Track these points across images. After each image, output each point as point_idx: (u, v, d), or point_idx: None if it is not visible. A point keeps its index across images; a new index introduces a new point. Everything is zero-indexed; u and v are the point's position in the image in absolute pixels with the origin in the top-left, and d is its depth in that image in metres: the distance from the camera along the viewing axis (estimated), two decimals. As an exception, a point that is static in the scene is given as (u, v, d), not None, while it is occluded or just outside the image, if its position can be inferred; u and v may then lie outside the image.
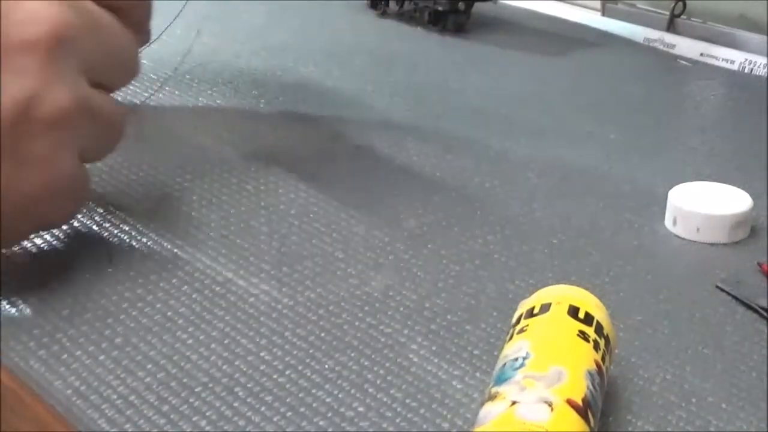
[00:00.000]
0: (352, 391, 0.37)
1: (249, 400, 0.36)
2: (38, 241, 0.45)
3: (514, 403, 0.31)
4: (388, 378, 0.38)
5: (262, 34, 0.77)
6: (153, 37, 0.48)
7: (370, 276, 0.44)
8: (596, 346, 0.34)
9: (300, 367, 0.38)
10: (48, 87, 0.38)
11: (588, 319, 0.35)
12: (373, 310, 0.42)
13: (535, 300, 0.36)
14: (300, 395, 0.37)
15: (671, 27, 0.81)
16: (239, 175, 0.53)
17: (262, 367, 0.38)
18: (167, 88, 0.63)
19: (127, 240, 0.46)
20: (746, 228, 0.49)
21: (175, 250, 0.45)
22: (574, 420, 0.31)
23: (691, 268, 0.46)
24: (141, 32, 0.46)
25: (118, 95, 0.48)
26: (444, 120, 0.63)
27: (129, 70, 0.45)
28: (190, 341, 0.39)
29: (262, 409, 0.36)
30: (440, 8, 0.80)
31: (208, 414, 0.35)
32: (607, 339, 0.35)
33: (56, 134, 0.39)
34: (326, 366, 0.38)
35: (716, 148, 0.60)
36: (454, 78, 0.71)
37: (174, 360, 0.38)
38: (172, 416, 0.35)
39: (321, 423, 0.35)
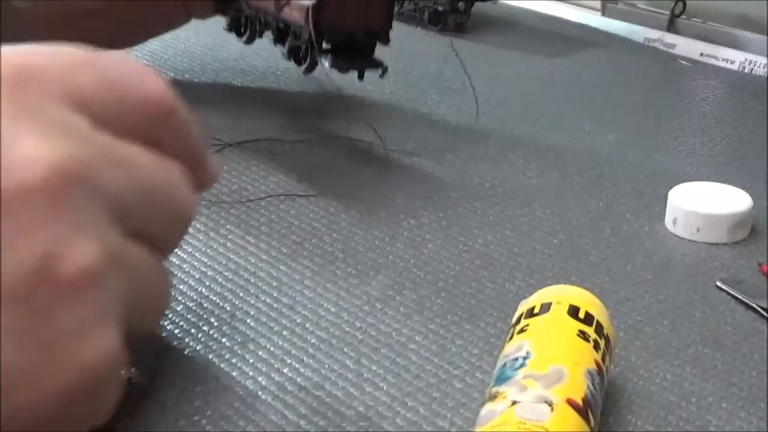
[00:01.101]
0: (352, 391, 0.37)
1: (249, 399, 0.36)
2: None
3: (514, 402, 0.31)
4: (388, 378, 0.38)
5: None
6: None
7: (370, 276, 0.45)
8: (596, 346, 0.34)
9: (300, 367, 0.38)
10: (64, 241, 0.29)
11: (588, 319, 0.35)
12: (373, 310, 0.42)
13: (535, 300, 0.36)
14: (300, 395, 0.36)
15: (671, 27, 0.81)
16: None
17: (261, 367, 0.38)
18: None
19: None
20: (746, 228, 0.49)
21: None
22: (574, 420, 0.31)
23: (691, 268, 0.46)
24: (197, 168, 0.36)
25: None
26: (443, 120, 0.63)
27: (178, 211, 0.35)
28: (188, 340, 0.39)
29: (262, 408, 0.36)
30: (440, 8, 0.80)
31: (208, 414, 0.35)
32: (607, 339, 0.35)
33: (85, 299, 0.30)
34: (326, 366, 0.38)
35: (716, 148, 0.60)
36: (453, 78, 0.71)
37: (174, 360, 0.38)
38: (172, 416, 0.35)
39: (321, 423, 0.35)
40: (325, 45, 0.53)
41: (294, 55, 0.56)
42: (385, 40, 0.55)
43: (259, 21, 0.59)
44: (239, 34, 0.61)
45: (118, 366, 0.31)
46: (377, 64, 0.55)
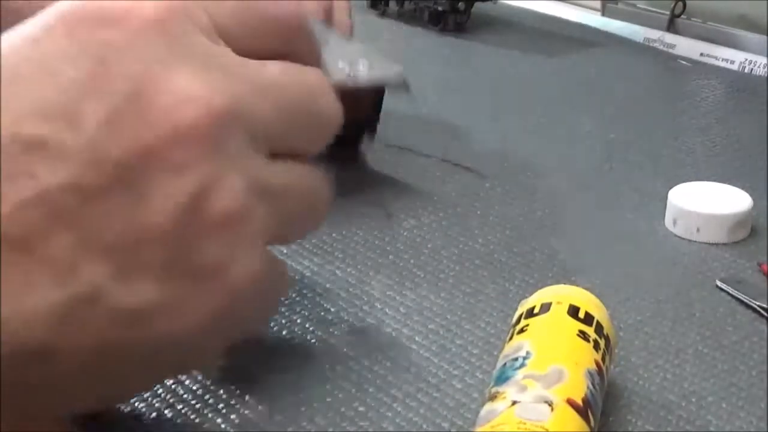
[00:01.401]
0: (352, 391, 0.37)
1: (249, 400, 0.36)
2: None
3: (514, 402, 0.31)
4: (388, 378, 0.38)
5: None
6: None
7: (370, 276, 0.45)
8: (596, 346, 0.34)
9: (300, 367, 0.38)
10: (214, 179, 0.30)
11: (588, 319, 0.35)
12: (374, 309, 0.42)
13: (536, 300, 0.36)
14: (300, 395, 0.37)
15: (671, 27, 0.81)
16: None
17: (261, 367, 0.38)
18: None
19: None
20: (746, 228, 0.49)
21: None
22: (574, 419, 0.31)
23: (691, 268, 0.46)
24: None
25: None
26: (443, 120, 0.63)
27: (322, 120, 0.36)
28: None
29: (262, 408, 0.36)
30: (440, 8, 0.80)
31: (208, 414, 0.35)
32: (607, 339, 0.35)
33: (232, 233, 0.31)
34: (326, 366, 0.38)
35: (716, 148, 0.60)
36: (454, 78, 0.71)
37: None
38: (172, 416, 0.35)
39: (321, 423, 0.35)
40: None
41: None
42: (372, 132, 0.52)
43: None
44: None
45: (272, 277, 0.33)
46: (360, 157, 0.53)
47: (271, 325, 0.41)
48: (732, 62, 0.75)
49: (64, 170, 0.29)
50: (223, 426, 0.35)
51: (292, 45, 0.35)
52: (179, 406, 0.36)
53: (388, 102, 0.52)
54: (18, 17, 0.44)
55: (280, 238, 0.35)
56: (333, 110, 0.36)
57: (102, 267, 0.29)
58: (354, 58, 0.46)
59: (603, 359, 0.34)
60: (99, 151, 0.29)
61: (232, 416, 0.35)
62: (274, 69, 0.34)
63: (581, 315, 0.35)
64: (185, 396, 0.36)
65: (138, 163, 0.29)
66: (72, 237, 0.29)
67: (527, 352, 0.33)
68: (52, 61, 0.30)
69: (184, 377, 0.37)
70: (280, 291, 0.36)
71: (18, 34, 0.31)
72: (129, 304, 0.30)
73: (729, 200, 0.49)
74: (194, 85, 0.30)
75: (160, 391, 0.36)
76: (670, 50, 0.79)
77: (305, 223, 0.37)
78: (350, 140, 0.51)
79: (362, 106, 0.50)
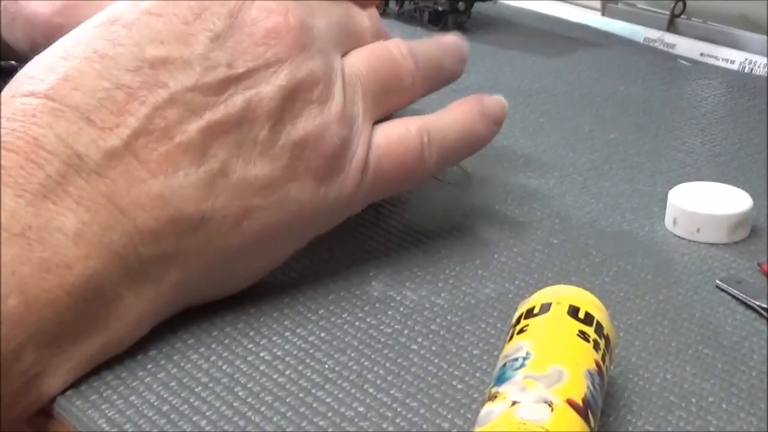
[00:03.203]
0: (352, 391, 0.37)
1: (249, 400, 0.36)
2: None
3: (514, 403, 0.31)
4: (388, 378, 0.38)
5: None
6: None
7: (370, 276, 0.45)
8: (596, 346, 0.34)
9: (300, 367, 0.38)
10: (300, 67, 0.40)
11: (588, 319, 0.35)
12: (373, 310, 0.42)
13: (535, 300, 0.36)
14: (300, 395, 0.37)
15: (671, 27, 0.81)
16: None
17: (262, 367, 0.38)
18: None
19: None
20: (746, 228, 0.49)
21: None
22: (574, 420, 0.31)
23: (691, 268, 0.46)
24: None
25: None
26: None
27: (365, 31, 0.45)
28: (190, 341, 0.39)
29: (262, 409, 0.36)
30: (440, 8, 0.80)
31: (208, 414, 0.35)
32: (607, 339, 0.35)
33: (318, 109, 0.40)
34: (326, 366, 0.38)
35: (716, 148, 0.60)
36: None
37: (174, 360, 0.38)
38: (172, 416, 0.35)
39: (321, 423, 0.35)
40: None
41: None
42: None
43: None
44: None
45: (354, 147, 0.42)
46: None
47: (272, 325, 0.41)
48: (732, 62, 0.75)
49: (187, 77, 0.38)
50: (223, 427, 0.35)
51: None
52: (182, 407, 0.36)
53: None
54: (11, 19, 0.46)
55: (379, 113, 0.44)
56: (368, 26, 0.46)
57: (225, 147, 0.38)
58: None
59: (603, 359, 0.34)
60: (211, 59, 0.38)
61: (234, 418, 0.35)
62: None
63: (581, 315, 0.35)
64: (187, 397, 0.36)
65: (241, 61, 0.39)
66: (200, 125, 0.38)
67: (527, 353, 0.33)
68: (154, 8, 0.39)
69: (183, 378, 0.37)
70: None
71: (115, 4, 0.40)
72: (251, 176, 0.39)
73: (729, 200, 0.49)
74: (273, 3, 0.40)
75: (164, 393, 0.36)
76: (670, 50, 0.79)
77: (394, 90, 0.45)
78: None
79: None
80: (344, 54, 0.43)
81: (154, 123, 0.37)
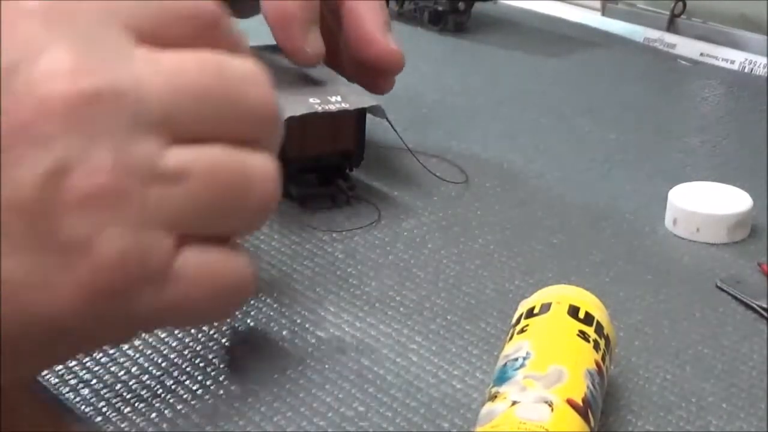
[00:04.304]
0: (352, 391, 0.37)
1: (249, 400, 0.36)
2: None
3: (514, 402, 0.31)
4: (388, 378, 0.38)
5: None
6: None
7: (370, 276, 0.45)
8: (596, 346, 0.34)
9: (300, 367, 0.38)
10: (78, 155, 0.30)
11: (588, 319, 0.35)
12: (373, 310, 0.42)
13: (536, 300, 0.36)
14: (300, 395, 0.37)
15: (671, 27, 0.81)
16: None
17: (262, 367, 0.38)
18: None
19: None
20: (746, 228, 0.49)
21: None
22: (574, 420, 0.31)
23: (691, 268, 0.46)
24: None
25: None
26: (444, 120, 0.63)
27: (248, 106, 0.34)
28: (190, 341, 0.39)
29: (262, 409, 0.36)
30: (440, 8, 0.80)
31: (208, 414, 0.35)
32: (607, 339, 0.35)
33: (98, 210, 0.30)
34: (326, 366, 0.38)
35: (716, 148, 0.60)
36: (454, 78, 0.71)
37: (174, 360, 0.38)
38: (171, 416, 0.35)
39: (321, 423, 0.35)
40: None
41: None
42: (357, 162, 0.51)
43: None
44: None
45: (148, 268, 0.31)
46: (348, 188, 0.51)
47: (271, 325, 0.41)
48: (732, 62, 0.75)
49: None
50: (223, 426, 0.35)
51: (212, 42, 0.33)
52: (179, 406, 0.36)
53: (388, 105, 0.52)
54: None
55: (202, 227, 0.32)
56: (263, 97, 0.34)
57: None
58: (329, 94, 0.48)
59: (603, 359, 0.34)
60: None
61: (235, 418, 0.35)
62: (185, 56, 0.32)
63: (581, 315, 0.35)
64: (184, 395, 0.36)
65: (4, 133, 0.29)
66: None
67: (527, 353, 0.33)
68: None
69: (183, 378, 0.37)
70: (234, 288, 0.33)
71: None
72: None
73: (729, 200, 0.49)
74: (66, 61, 0.30)
75: (159, 390, 0.36)
76: (670, 50, 0.79)
77: (233, 216, 0.33)
78: (335, 171, 0.51)
79: (342, 137, 0.50)
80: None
81: None
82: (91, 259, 0.30)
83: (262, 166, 0.34)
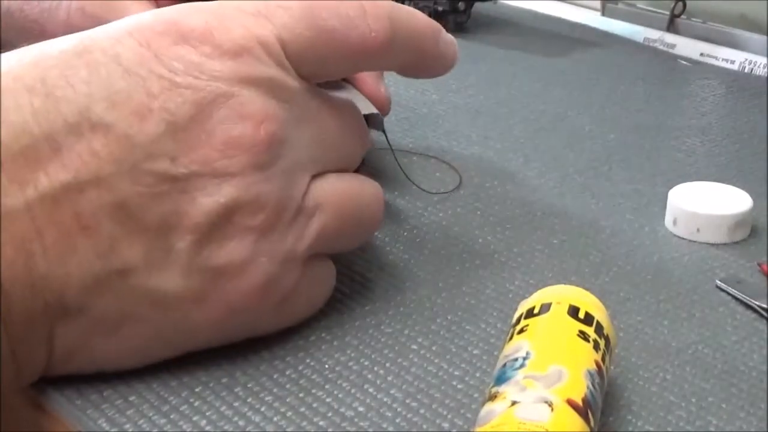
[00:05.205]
0: (352, 391, 0.37)
1: (249, 400, 0.36)
2: None
3: (514, 403, 0.31)
4: (388, 378, 0.38)
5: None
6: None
7: (371, 276, 0.44)
8: (596, 346, 0.34)
9: (300, 367, 0.38)
10: (251, 193, 0.34)
11: (588, 319, 0.35)
12: (373, 309, 0.42)
13: (535, 300, 0.36)
14: (300, 395, 0.37)
15: (671, 27, 0.81)
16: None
17: (262, 367, 0.38)
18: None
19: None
20: (746, 228, 0.49)
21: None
22: (574, 420, 0.31)
23: (691, 268, 0.46)
24: (427, 57, 0.41)
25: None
26: (443, 120, 0.63)
27: (352, 149, 0.40)
28: (190, 341, 0.39)
29: (262, 409, 0.36)
30: (440, 8, 0.80)
31: (208, 414, 0.35)
32: (607, 339, 0.35)
33: (254, 242, 0.35)
34: (326, 366, 0.38)
35: (716, 148, 0.60)
36: (453, 77, 0.71)
37: (174, 359, 0.38)
38: (172, 416, 0.35)
39: (321, 423, 0.35)
40: None
41: None
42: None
43: None
44: None
45: (281, 293, 0.37)
46: None
47: (271, 325, 0.41)
48: (732, 62, 0.75)
49: (122, 156, 0.33)
50: (223, 427, 0.35)
51: (376, 61, 0.40)
52: (182, 407, 0.36)
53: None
54: (11, 20, 0.45)
55: (329, 249, 0.39)
56: (360, 142, 0.41)
57: (135, 248, 0.33)
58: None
59: (603, 359, 0.34)
60: (157, 147, 0.33)
61: (234, 418, 0.35)
62: (319, 101, 0.38)
63: (581, 315, 0.35)
64: (187, 397, 0.36)
65: (186, 160, 0.33)
66: (117, 216, 0.33)
67: (527, 353, 0.33)
68: (126, 60, 0.34)
69: (183, 378, 0.37)
70: (314, 296, 0.40)
71: (97, 32, 0.35)
72: (152, 286, 0.34)
73: (729, 200, 0.49)
74: (253, 105, 0.34)
75: (164, 393, 0.36)
76: (670, 50, 0.79)
77: (354, 235, 0.40)
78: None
79: None
80: (319, 174, 0.38)
81: (67, 195, 0.32)
82: (241, 282, 0.35)
83: (371, 187, 0.40)
